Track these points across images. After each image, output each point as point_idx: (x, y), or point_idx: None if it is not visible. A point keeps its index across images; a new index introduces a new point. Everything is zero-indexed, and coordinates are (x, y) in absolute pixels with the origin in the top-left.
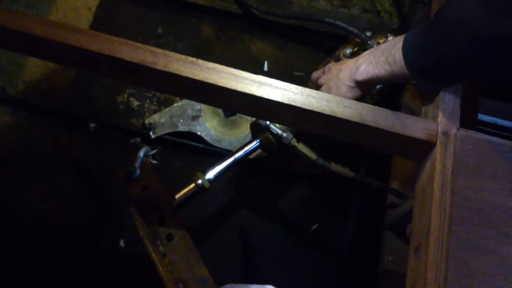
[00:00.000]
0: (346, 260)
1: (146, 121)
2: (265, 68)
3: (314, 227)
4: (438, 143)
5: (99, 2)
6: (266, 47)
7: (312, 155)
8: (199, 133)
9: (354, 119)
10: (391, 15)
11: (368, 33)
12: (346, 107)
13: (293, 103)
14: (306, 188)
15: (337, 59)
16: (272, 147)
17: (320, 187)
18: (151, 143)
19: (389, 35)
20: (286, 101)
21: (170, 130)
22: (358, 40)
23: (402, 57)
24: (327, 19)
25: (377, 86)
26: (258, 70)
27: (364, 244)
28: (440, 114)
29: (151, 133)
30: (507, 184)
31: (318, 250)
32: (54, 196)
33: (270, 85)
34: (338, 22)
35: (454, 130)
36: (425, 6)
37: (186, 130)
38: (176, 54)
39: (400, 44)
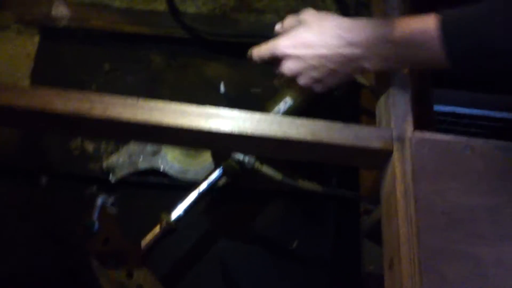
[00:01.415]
0: (331, 273)
1: (104, 165)
2: (222, 89)
3: (294, 244)
4: (394, 150)
5: (38, 46)
6: (220, 68)
7: (277, 176)
8: (161, 169)
9: (308, 138)
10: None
11: None
12: (300, 126)
13: (244, 132)
14: (280, 205)
15: None
16: (236, 173)
17: (294, 202)
18: (113, 187)
19: None
20: (236, 131)
21: (131, 171)
22: None
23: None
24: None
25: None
26: (215, 93)
27: (347, 253)
28: (393, 119)
29: (110, 176)
30: (468, 182)
31: (303, 267)
32: (14, 257)
33: (218, 115)
34: None
35: (408, 134)
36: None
37: (147, 167)
38: (114, 97)
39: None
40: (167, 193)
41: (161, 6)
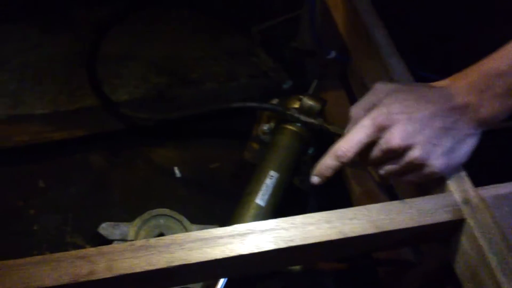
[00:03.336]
0: None
1: None
2: (177, 174)
3: None
4: (467, 217)
5: None
6: (169, 152)
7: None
8: None
9: (367, 231)
10: (278, 72)
11: (275, 101)
12: (353, 219)
13: (292, 243)
14: None
15: (259, 140)
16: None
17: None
18: None
19: (302, 97)
20: (282, 245)
21: None
22: (270, 113)
23: None
24: (235, 104)
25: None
26: (171, 180)
27: None
28: (449, 180)
29: None
30: None
31: None
32: None
33: (253, 231)
34: (248, 104)
35: (471, 193)
36: (314, 56)
37: None
38: (116, 246)
39: None
40: None
41: (88, 102)
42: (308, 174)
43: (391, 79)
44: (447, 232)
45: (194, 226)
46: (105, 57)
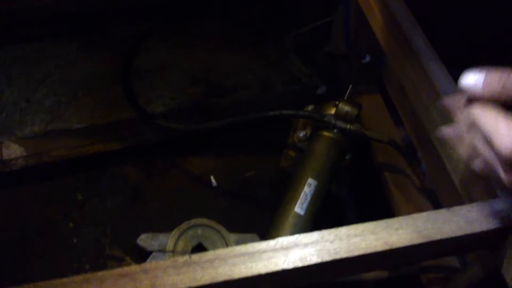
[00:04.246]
0: None
1: None
2: (214, 183)
3: None
4: None
5: None
6: (205, 162)
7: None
8: None
9: (414, 241)
10: (313, 78)
11: (310, 108)
12: (399, 229)
13: (337, 256)
14: None
15: (295, 148)
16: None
17: None
18: None
19: (338, 102)
20: (327, 258)
21: None
22: (305, 120)
23: None
24: (271, 113)
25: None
26: (208, 190)
27: None
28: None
29: None
30: None
31: None
32: None
33: (296, 244)
34: (284, 112)
35: None
36: (348, 61)
37: None
38: (160, 263)
39: None
40: None
41: (124, 114)
42: (346, 181)
43: (431, 84)
44: (496, 240)
45: (232, 235)
46: (140, 70)
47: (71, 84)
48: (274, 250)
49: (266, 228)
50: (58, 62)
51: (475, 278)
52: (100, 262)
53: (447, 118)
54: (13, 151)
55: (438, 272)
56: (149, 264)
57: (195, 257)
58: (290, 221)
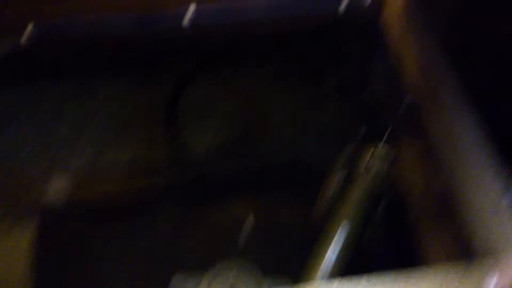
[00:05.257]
0: None
1: None
2: (249, 225)
3: None
4: None
5: (36, 234)
6: (241, 203)
7: None
8: None
9: None
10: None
11: (348, 147)
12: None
13: None
14: None
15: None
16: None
17: None
18: None
19: (376, 145)
20: None
21: None
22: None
23: None
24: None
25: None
26: (243, 231)
27: None
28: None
29: None
30: None
31: None
32: None
33: None
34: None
35: None
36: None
37: None
38: None
39: None
40: None
41: (164, 153)
42: (381, 224)
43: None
44: None
45: (266, 277)
46: (185, 108)
47: (118, 120)
48: None
49: (299, 271)
50: (106, 97)
51: None
52: None
53: None
54: (60, 186)
55: None
56: None
57: None
58: (323, 265)
